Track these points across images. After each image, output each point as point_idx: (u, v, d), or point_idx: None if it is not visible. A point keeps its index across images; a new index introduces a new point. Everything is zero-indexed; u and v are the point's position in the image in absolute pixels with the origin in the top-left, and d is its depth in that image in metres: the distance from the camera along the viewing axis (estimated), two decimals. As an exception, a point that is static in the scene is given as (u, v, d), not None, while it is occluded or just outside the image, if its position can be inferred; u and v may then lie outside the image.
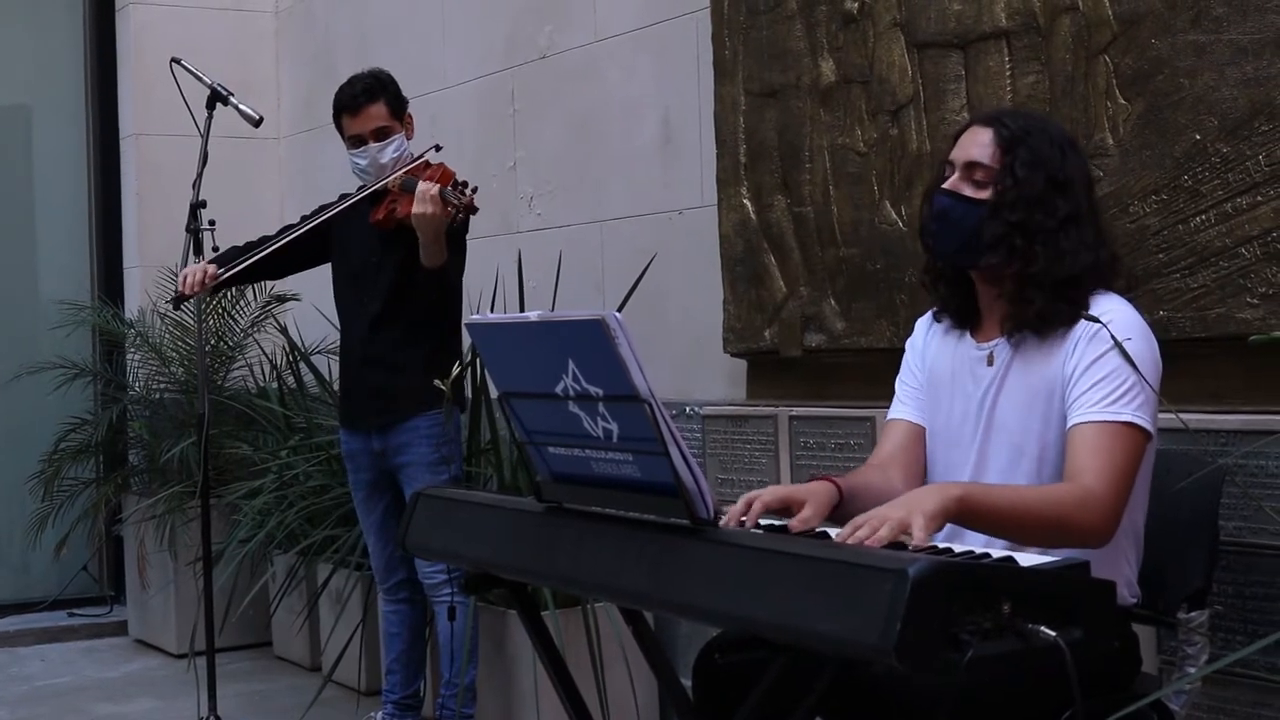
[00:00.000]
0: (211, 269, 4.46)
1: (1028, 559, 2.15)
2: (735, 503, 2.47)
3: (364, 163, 4.40)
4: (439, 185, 4.09)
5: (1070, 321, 2.57)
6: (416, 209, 4.09)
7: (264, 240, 4.61)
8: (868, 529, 2.20)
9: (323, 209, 4.53)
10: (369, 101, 4.38)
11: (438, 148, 4.36)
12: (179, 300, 4.57)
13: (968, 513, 2.32)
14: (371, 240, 4.40)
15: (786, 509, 2.47)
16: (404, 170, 4.30)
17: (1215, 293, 3.11)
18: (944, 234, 2.67)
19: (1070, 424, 2.51)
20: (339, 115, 4.44)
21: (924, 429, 2.82)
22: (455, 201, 4.08)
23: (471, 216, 4.30)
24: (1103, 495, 2.41)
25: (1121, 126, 3.29)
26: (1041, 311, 2.58)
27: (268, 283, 6.51)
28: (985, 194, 2.62)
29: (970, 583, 1.95)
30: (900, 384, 2.89)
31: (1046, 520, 2.38)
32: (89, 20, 7.46)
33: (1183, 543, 2.74)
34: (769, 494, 2.49)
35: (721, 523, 2.35)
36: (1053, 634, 1.95)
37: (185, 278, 4.45)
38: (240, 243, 4.65)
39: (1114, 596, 2.16)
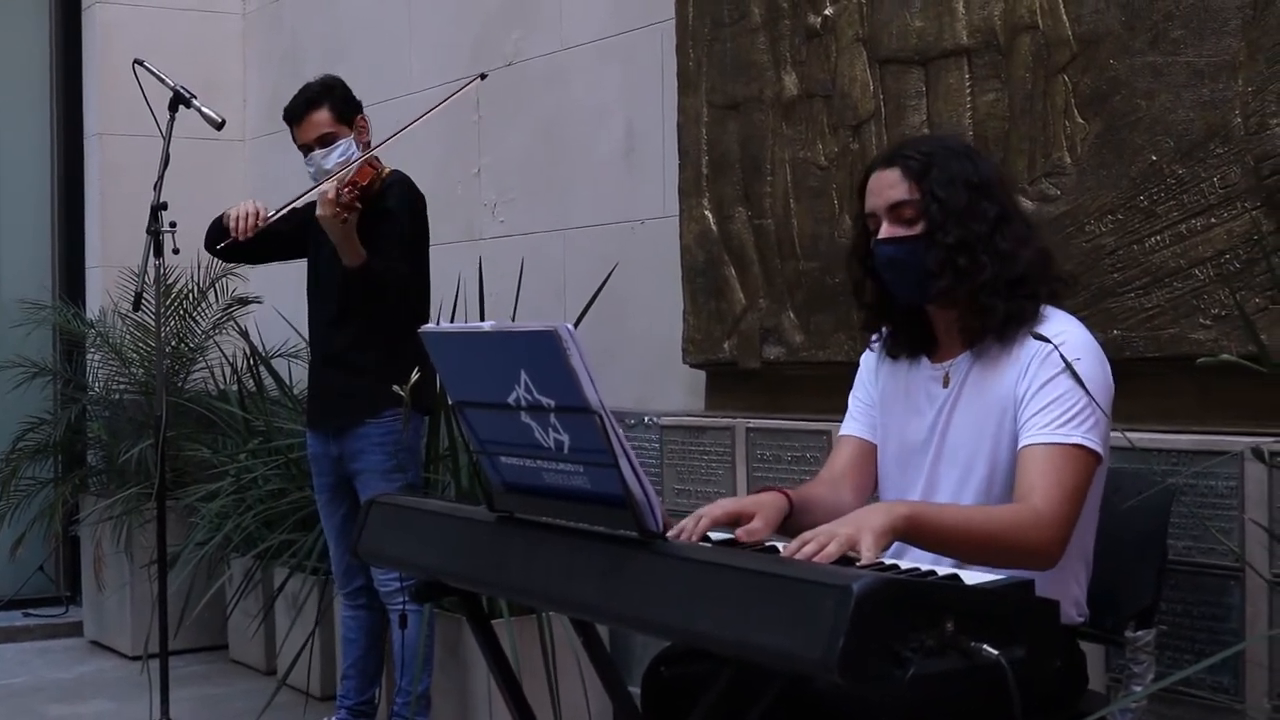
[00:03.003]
0: (262, 207, 4.32)
1: (973, 577, 2.16)
2: (688, 515, 2.47)
3: (312, 170, 4.40)
4: (335, 185, 4.10)
5: (1031, 321, 2.58)
6: (316, 211, 4.12)
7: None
8: (815, 545, 2.21)
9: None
10: (309, 110, 4.38)
11: (483, 76, 4.39)
12: (138, 300, 4.52)
13: (915, 531, 2.33)
14: (329, 241, 4.39)
15: (736, 522, 2.47)
16: (346, 172, 4.26)
17: (1169, 313, 3.14)
18: (899, 280, 2.65)
19: (1020, 445, 2.52)
20: (289, 126, 4.45)
21: (874, 446, 2.82)
22: (344, 202, 4.09)
23: (425, 219, 4.30)
24: (1051, 516, 2.42)
25: (1079, 146, 3.31)
26: (1007, 312, 2.59)
27: (229, 285, 6.51)
28: (918, 228, 2.63)
29: (914, 600, 1.96)
30: (853, 399, 2.89)
31: (993, 540, 2.39)
32: (54, 19, 7.43)
33: (1131, 561, 2.75)
34: (719, 509, 2.49)
35: (669, 535, 2.36)
36: (995, 652, 1.96)
37: (236, 219, 4.28)
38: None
39: (1058, 615, 2.17)
